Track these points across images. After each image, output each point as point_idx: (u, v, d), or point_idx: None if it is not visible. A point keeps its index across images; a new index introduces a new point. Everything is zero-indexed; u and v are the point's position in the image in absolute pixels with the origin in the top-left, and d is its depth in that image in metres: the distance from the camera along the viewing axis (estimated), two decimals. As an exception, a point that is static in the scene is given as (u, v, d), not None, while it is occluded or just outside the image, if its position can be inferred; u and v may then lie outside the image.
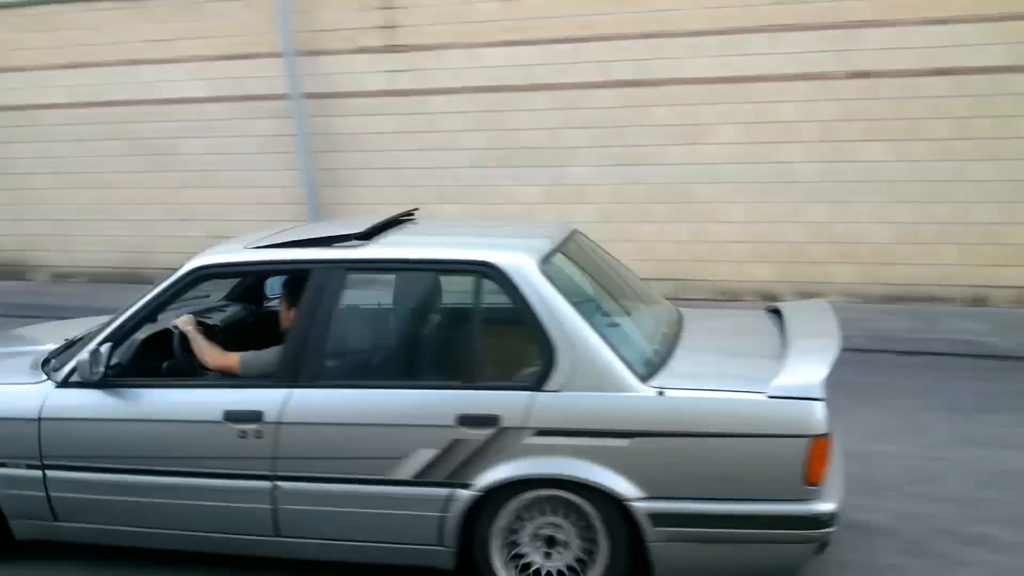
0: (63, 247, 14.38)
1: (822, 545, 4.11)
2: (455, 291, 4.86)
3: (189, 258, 4.93)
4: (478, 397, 4.20)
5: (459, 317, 4.64)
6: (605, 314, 4.73)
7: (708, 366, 4.44)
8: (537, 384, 4.14)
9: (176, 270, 4.86)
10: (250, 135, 12.86)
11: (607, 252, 5.63)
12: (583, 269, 4.97)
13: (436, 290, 4.97)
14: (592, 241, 5.55)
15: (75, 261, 14.36)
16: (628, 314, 4.92)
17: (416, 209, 5.73)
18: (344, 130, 12.41)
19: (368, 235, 4.83)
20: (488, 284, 4.33)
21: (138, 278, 13.94)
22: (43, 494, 4.74)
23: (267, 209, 12.93)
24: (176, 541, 4.75)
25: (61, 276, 14.46)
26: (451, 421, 4.17)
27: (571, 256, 4.93)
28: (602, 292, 4.99)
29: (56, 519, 4.81)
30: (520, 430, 4.11)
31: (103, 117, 13.66)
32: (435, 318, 4.99)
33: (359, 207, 12.40)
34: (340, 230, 4.86)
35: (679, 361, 4.39)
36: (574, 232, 5.30)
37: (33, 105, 14.03)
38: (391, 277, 5.00)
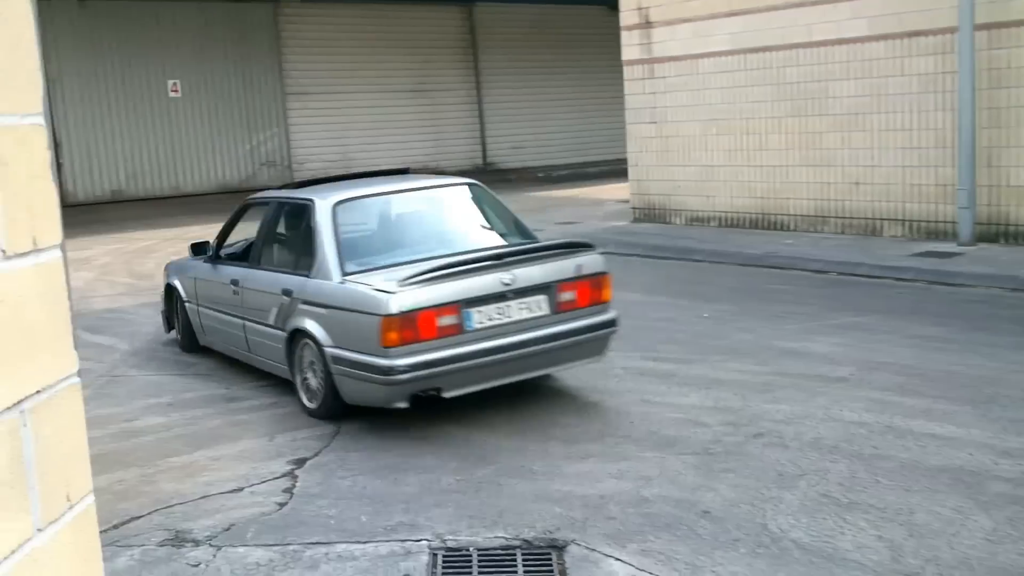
0: (702, 192, 14.75)
1: (424, 395, 5.91)
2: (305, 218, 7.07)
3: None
4: (288, 278, 6.74)
5: (298, 233, 7.08)
6: (379, 237, 7.13)
7: (406, 272, 6.09)
8: (308, 273, 6.55)
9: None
10: (907, 74, 11.91)
11: (497, 203, 7.60)
12: (425, 211, 7.49)
13: (298, 217, 7.14)
14: (488, 193, 7.59)
15: (711, 206, 14.67)
16: (418, 241, 6.99)
17: (407, 168, 8.22)
18: (1020, 63, 11.00)
19: (301, 185, 7.76)
20: (310, 214, 6.75)
21: (769, 224, 13.79)
22: (199, 320, 8.12)
23: (913, 154, 11.95)
24: (232, 353, 7.74)
25: (697, 220, 14.87)
26: (279, 291, 6.75)
27: (418, 201, 7.48)
28: (416, 226, 7.35)
29: (204, 334, 8.13)
30: (297, 299, 6.55)
31: (756, 63, 13.71)
32: (292, 233, 7.37)
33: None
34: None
35: (409, 267, 6.19)
36: (459, 185, 7.62)
37: (693, 55, 14.56)
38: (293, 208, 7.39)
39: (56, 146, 23.75)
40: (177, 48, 25.20)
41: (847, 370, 6.62)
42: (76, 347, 1.51)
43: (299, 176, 27.61)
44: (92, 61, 24.15)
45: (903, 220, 12.22)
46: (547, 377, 6.81)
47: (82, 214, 21.92)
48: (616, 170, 26.86)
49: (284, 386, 7.01)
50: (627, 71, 15.68)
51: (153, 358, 8.15)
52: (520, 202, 20.75)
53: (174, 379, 7.48)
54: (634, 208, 15.93)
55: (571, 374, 6.88)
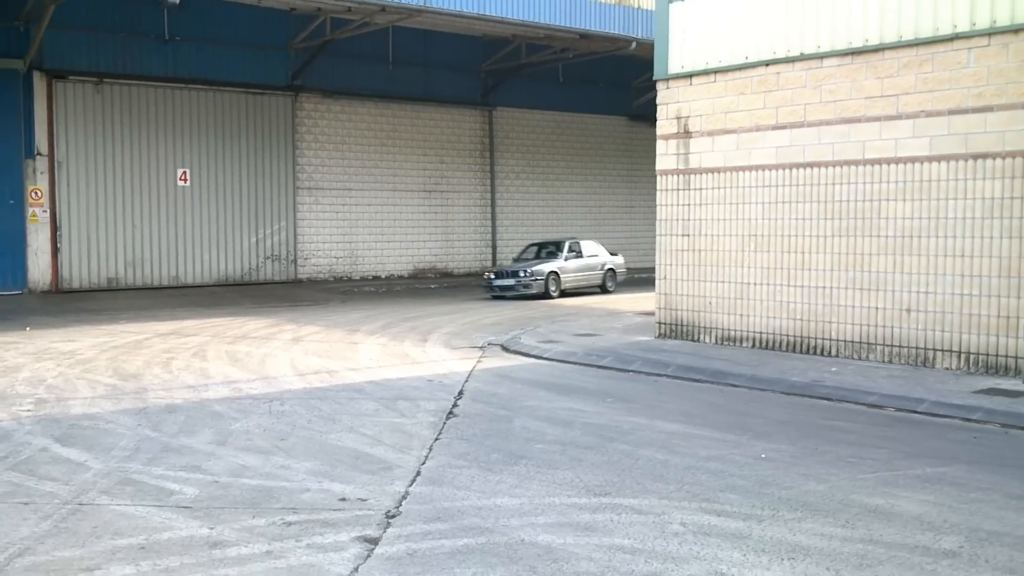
0: (735, 310, 13.84)
1: None
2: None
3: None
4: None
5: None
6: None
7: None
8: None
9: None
10: (969, 197, 11.12)
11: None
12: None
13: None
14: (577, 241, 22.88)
15: (744, 325, 13.71)
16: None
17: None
18: (1094, 191, 10.16)
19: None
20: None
21: (807, 347, 12.80)
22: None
23: (972, 282, 11.03)
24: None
25: (728, 340, 13.90)
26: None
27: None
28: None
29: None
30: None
31: (803, 179, 12.91)
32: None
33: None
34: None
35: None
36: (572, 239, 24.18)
37: (734, 167, 13.78)
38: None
39: (56, 230, 22.94)
40: (190, 136, 24.64)
41: (954, 541, 5.55)
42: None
43: (303, 270, 26.90)
44: (101, 145, 23.54)
45: (958, 352, 11.25)
46: (591, 532, 5.72)
47: (74, 301, 20.97)
48: (631, 280, 26.11)
49: (279, 531, 5.90)
50: (660, 181, 14.89)
51: (129, 482, 6.95)
52: (529, 309, 19.87)
53: (151, 512, 6.25)
54: (660, 323, 14.96)
55: (623, 531, 5.80)
